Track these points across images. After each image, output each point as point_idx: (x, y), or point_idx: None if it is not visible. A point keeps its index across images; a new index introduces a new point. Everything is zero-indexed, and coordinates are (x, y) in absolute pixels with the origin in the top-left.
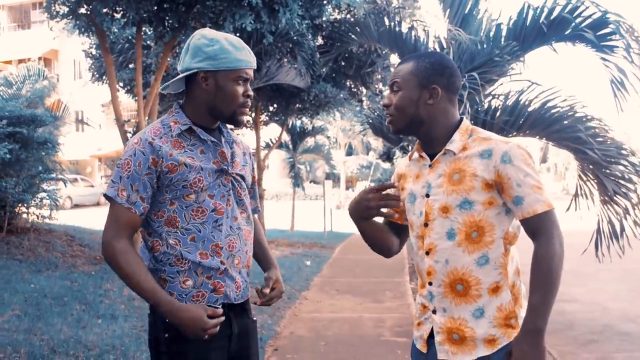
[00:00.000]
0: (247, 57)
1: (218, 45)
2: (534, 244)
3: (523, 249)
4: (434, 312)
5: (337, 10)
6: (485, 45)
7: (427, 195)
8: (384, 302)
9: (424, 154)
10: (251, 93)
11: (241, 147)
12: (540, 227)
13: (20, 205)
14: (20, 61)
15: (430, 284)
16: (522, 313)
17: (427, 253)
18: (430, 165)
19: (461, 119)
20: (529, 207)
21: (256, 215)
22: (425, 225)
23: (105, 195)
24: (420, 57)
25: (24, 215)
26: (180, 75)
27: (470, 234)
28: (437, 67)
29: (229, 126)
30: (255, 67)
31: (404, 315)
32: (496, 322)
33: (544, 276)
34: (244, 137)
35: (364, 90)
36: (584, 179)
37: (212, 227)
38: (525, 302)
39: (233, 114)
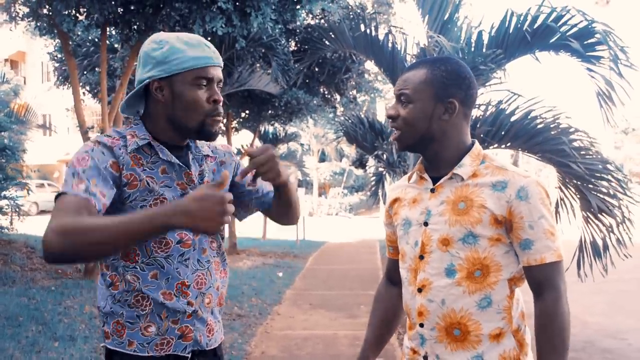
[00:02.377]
0: (205, 54)
1: (167, 46)
2: (539, 299)
3: None
4: (425, 358)
5: (310, 15)
6: (467, 53)
7: (426, 224)
8: (359, 317)
9: (425, 176)
10: (219, 97)
11: (215, 157)
12: (546, 280)
13: None
14: None
15: (421, 325)
16: None
17: (420, 290)
18: (432, 190)
19: (473, 142)
20: (537, 254)
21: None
22: (421, 257)
23: (55, 198)
24: (434, 63)
25: None
26: (132, 92)
27: (472, 272)
28: (454, 77)
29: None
30: (221, 65)
31: None
32: None
33: (557, 338)
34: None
35: (338, 97)
36: (565, 192)
37: (177, 262)
38: (530, 349)
39: (201, 126)
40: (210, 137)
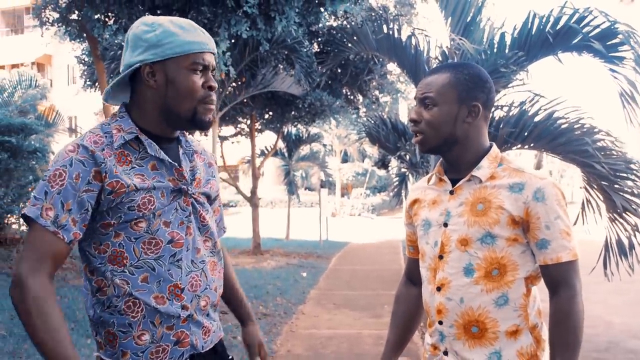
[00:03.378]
0: (201, 39)
1: (161, 29)
2: (554, 296)
3: None
4: (446, 353)
5: (333, 17)
6: (489, 55)
7: (445, 225)
8: (382, 317)
9: (445, 178)
10: (214, 84)
11: (204, 157)
12: (562, 278)
13: (9, 216)
14: (13, 66)
15: (440, 323)
16: (545, 358)
17: (439, 289)
18: (451, 192)
19: (491, 145)
20: (554, 253)
21: (223, 247)
22: (440, 257)
23: (23, 216)
24: (456, 67)
25: (14, 226)
26: (120, 76)
27: (490, 271)
28: (477, 80)
29: (188, 133)
30: (215, 52)
31: None
32: None
33: (571, 336)
34: (239, 144)
35: (361, 98)
36: (591, 193)
37: (169, 264)
38: (547, 346)
39: (193, 114)
40: (202, 125)
